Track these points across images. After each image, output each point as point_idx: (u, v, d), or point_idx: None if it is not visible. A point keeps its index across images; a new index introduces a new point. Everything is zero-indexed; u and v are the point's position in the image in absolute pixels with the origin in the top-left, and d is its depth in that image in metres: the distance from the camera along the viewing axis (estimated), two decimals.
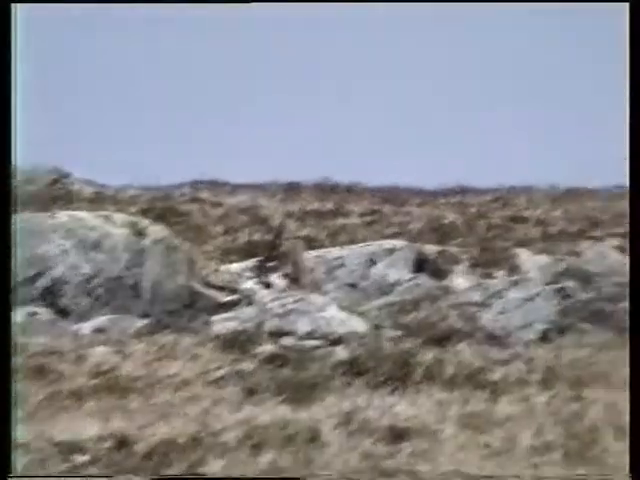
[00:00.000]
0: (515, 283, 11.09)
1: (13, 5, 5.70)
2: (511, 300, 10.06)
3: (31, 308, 9.73)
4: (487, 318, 9.72)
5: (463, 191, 25.34)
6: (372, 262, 13.52)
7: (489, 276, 13.07)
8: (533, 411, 6.17)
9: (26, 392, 6.80)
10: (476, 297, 10.84)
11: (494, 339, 9.16)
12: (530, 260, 13.30)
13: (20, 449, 5.18)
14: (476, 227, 18.91)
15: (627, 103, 6.04)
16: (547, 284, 10.21)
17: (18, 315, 9.52)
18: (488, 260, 13.80)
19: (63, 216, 10.70)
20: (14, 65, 5.72)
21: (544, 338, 9.31)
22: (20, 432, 5.48)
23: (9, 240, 5.50)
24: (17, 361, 7.60)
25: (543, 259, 13.22)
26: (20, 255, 10.17)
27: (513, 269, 13.12)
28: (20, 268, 10.12)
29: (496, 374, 7.42)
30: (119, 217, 10.97)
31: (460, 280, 12.59)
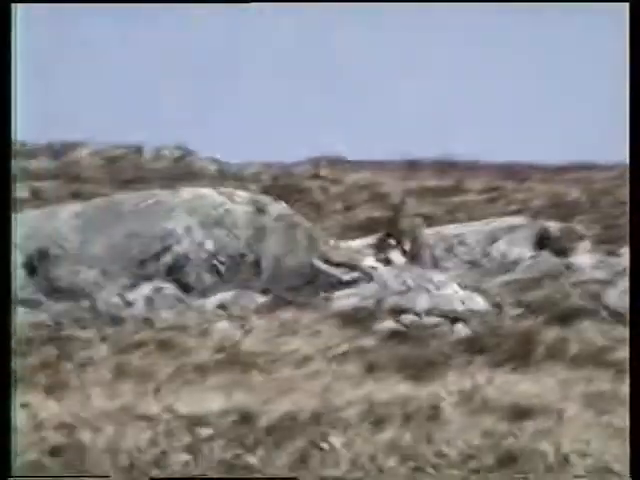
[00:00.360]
0: None
1: (13, 5, 5.77)
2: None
3: (157, 283, 9.95)
4: (612, 296, 9.48)
5: (587, 167, 24.74)
6: (493, 239, 13.34)
7: (614, 253, 12.74)
8: None
9: (153, 366, 6.97)
10: (600, 274, 10.59)
11: (619, 317, 8.94)
12: None
13: (147, 421, 5.31)
14: (601, 203, 18.44)
15: (627, 103, 5.90)
16: None
17: (145, 289, 9.75)
18: (613, 237, 13.45)
19: (187, 193, 10.89)
20: (14, 65, 5.82)
21: None
22: (148, 405, 5.61)
23: (9, 238, 5.56)
24: (145, 335, 7.79)
25: None
26: (147, 231, 10.40)
27: None
28: (146, 244, 10.36)
29: (621, 353, 7.24)
30: (241, 194, 11.10)
31: (584, 257, 12.31)
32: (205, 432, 5.18)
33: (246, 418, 5.39)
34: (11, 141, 5.76)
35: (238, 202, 10.85)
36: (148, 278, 10.20)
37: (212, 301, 9.57)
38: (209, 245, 10.49)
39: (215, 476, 4.88)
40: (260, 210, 10.81)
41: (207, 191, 11.15)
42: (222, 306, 9.35)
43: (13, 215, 7.93)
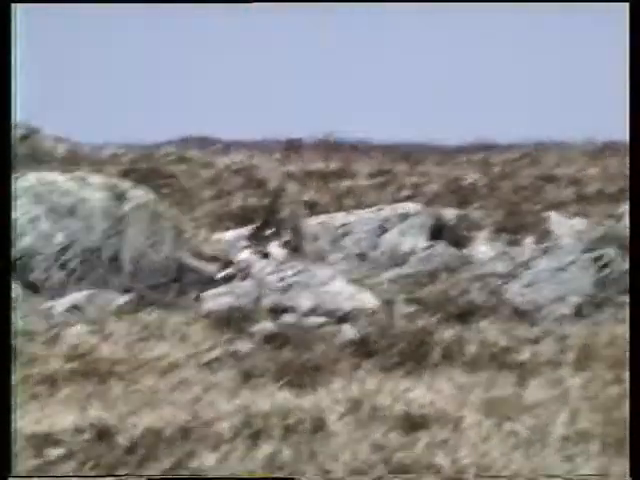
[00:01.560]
0: (545, 251, 11.07)
1: (13, 5, 6.08)
2: (541, 270, 10.04)
3: None
4: (514, 291, 9.71)
5: (486, 147, 25.29)
6: (383, 229, 13.49)
7: (516, 243, 13.05)
8: (566, 396, 6.17)
9: None
10: (501, 267, 10.83)
11: (522, 315, 9.15)
12: (563, 225, 13.27)
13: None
14: (501, 188, 18.88)
15: (627, 103, 6.22)
16: (582, 252, 10.19)
17: None
18: (515, 225, 13.77)
19: (32, 178, 10.68)
20: (14, 65, 6.10)
21: (578, 313, 9.29)
22: None
23: (9, 236, 5.68)
24: None
25: (578, 223, 13.19)
26: None
27: (543, 235, 13.10)
28: None
29: (524, 354, 7.42)
30: (96, 179, 10.94)
31: (483, 248, 12.56)
32: (55, 453, 5.10)
33: (103, 435, 5.33)
34: (11, 140, 5.93)
35: (93, 188, 10.70)
36: None
37: (63, 302, 9.42)
38: (59, 238, 10.31)
39: (212, 476, 4.86)
40: (118, 197, 10.68)
41: (56, 176, 10.96)
42: (75, 308, 9.21)
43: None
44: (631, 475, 5.12)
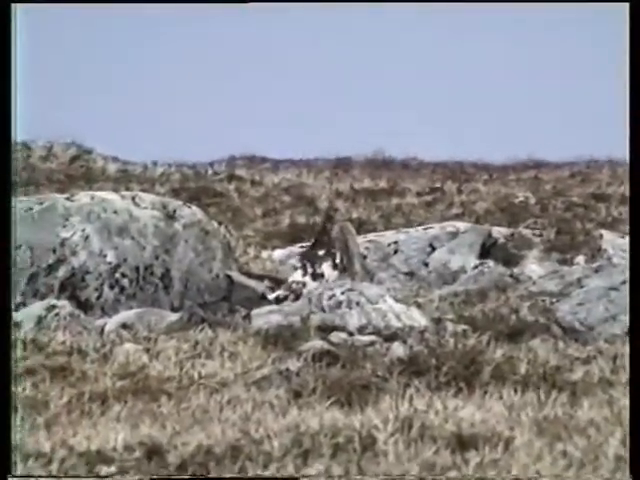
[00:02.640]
0: (597, 270, 10.99)
1: (13, 5, 6.12)
2: (592, 289, 9.96)
3: (50, 301, 9.84)
4: (565, 310, 9.65)
5: (536, 165, 25.18)
6: (432, 247, 13.47)
7: (567, 262, 12.96)
8: (619, 416, 6.11)
9: (47, 395, 6.89)
10: (552, 286, 10.76)
11: (573, 334, 9.09)
12: (615, 243, 13.16)
13: (39, 459, 5.26)
14: (552, 206, 18.77)
15: (627, 103, 6.18)
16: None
17: (35, 308, 9.63)
18: (566, 244, 13.68)
19: (84, 197, 10.79)
20: (14, 65, 6.12)
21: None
22: (39, 440, 5.55)
23: (9, 238, 5.74)
24: (36, 360, 7.69)
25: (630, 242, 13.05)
26: (39, 241, 10.28)
27: (595, 254, 13.00)
28: (37, 256, 10.24)
29: (576, 374, 7.36)
30: (147, 198, 11.03)
31: (533, 267, 12.50)
32: (107, 470, 5.14)
33: (154, 453, 5.36)
34: (11, 141, 6.02)
35: (143, 207, 10.79)
36: (40, 295, 10.08)
37: (114, 320, 9.50)
38: (111, 256, 10.41)
39: (213, 476, 4.89)
40: (169, 216, 10.77)
41: (108, 194, 11.07)
42: (126, 326, 9.28)
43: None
44: (631, 474, 5.07)
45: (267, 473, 5.17)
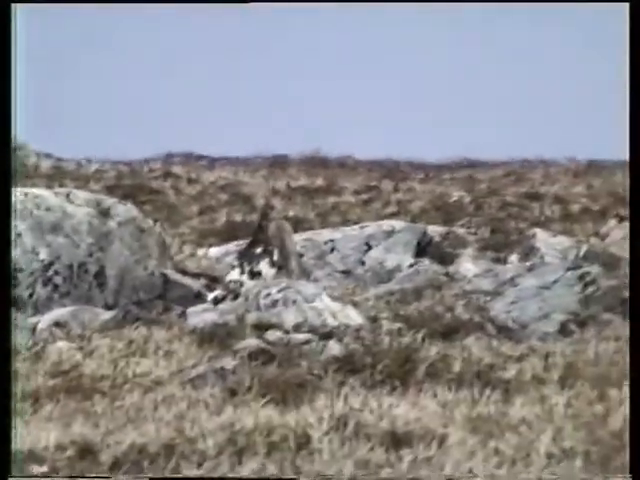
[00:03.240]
0: (530, 269, 11.11)
1: (13, 5, 6.13)
2: (526, 288, 10.07)
3: None
4: (498, 308, 9.74)
5: (471, 165, 25.39)
6: (368, 246, 13.52)
7: (501, 261, 13.09)
8: (551, 414, 6.18)
9: None
10: (486, 285, 10.86)
11: (506, 332, 9.18)
12: (548, 242, 13.32)
13: None
14: (486, 205, 18.95)
15: (627, 104, 6.27)
16: (567, 269, 10.23)
17: None
18: (500, 243, 13.82)
19: (17, 194, 10.66)
20: (14, 65, 6.13)
21: (563, 331, 9.32)
22: None
23: (9, 238, 5.74)
24: None
25: (562, 241, 13.25)
26: None
27: (528, 253, 13.14)
28: None
29: (509, 372, 7.43)
30: (81, 195, 10.94)
31: (468, 265, 12.60)
32: (39, 470, 5.09)
33: (87, 452, 5.32)
34: (11, 141, 5.97)
35: (77, 204, 10.69)
36: None
37: (47, 318, 9.40)
38: (44, 254, 10.30)
39: (214, 476, 4.85)
40: (103, 213, 10.68)
41: (41, 191, 10.95)
42: (59, 324, 9.19)
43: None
44: (631, 473, 5.14)
45: (201, 471, 5.16)
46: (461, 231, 14.04)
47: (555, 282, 9.91)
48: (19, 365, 7.55)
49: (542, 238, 13.33)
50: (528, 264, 11.66)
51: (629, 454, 5.22)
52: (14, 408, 5.80)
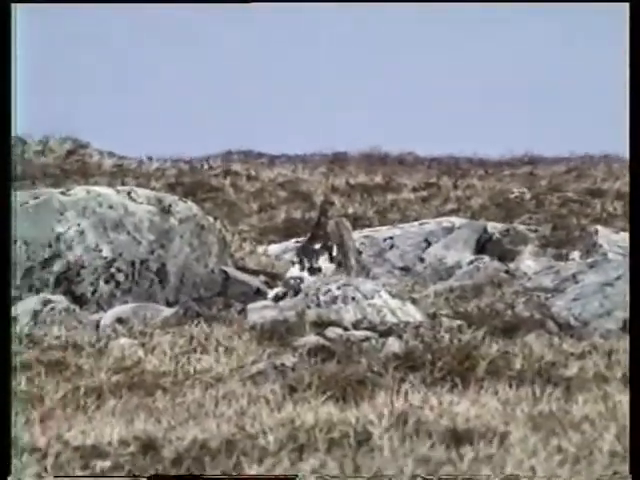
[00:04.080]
0: (592, 265, 10.99)
1: (13, 5, 6.17)
2: (587, 285, 9.97)
3: (45, 295, 9.83)
4: (560, 305, 9.65)
5: (532, 161, 25.20)
6: (428, 242, 13.47)
7: (562, 258, 12.97)
8: (614, 412, 6.12)
9: (42, 389, 6.89)
10: (547, 282, 10.77)
11: (568, 329, 9.10)
12: (610, 239, 13.17)
13: (34, 454, 5.26)
14: (547, 202, 18.79)
15: (627, 104, 6.19)
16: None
17: (31, 303, 9.62)
18: (561, 239, 13.69)
19: (79, 192, 10.78)
20: (14, 65, 6.16)
21: (626, 328, 9.22)
22: (34, 435, 5.55)
23: (9, 237, 5.78)
24: (31, 355, 7.69)
25: (625, 238, 13.09)
26: (34, 235, 10.27)
27: (590, 249, 13.01)
28: (33, 250, 10.23)
29: (570, 369, 7.37)
30: (142, 192, 11.02)
31: (529, 262, 12.50)
32: (102, 465, 5.14)
33: (149, 448, 5.36)
34: (11, 141, 6.06)
35: (139, 202, 10.78)
36: (35, 289, 10.07)
37: (110, 315, 9.49)
38: (106, 251, 10.40)
39: (212, 476, 4.89)
40: (164, 211, 10.76)
41: (103, 189, 11.06)
42: (121, 320, 9.28)
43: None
44: (631, 473, 5.08)
45: (262, 468, 5.17)
46: (521, 228, 13.95)
47: (617, 279, 9.80)
48: (82, 361, 7.62)
49: (604, 235, 13.19)
50: (590, 261, 11.55)
51: (629, 454, 5.15)
52: (13, 409, 5.79)
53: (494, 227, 13.71)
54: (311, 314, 8.95)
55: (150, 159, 23.22)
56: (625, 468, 5.23)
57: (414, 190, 20.74)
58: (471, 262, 12.50)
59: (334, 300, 9.12)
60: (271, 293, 10.04)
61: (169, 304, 10.06)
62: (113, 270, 10.33)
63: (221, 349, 8.01)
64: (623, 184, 19.65)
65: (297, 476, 4.94)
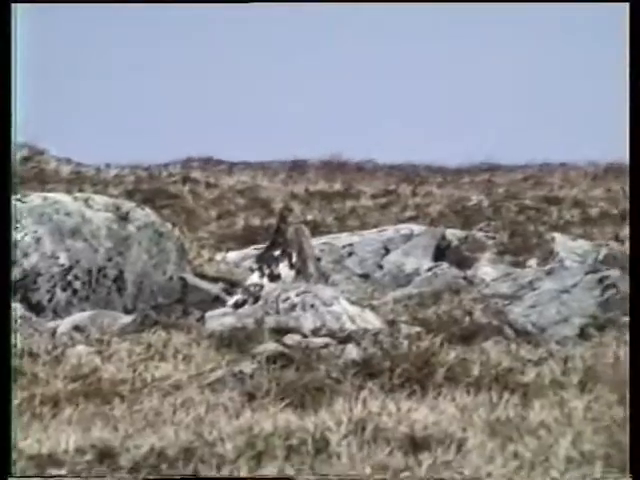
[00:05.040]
0: (549, 272, 11.08)
1: (13, 5, 6.17)
2: (545, 292, 10.05)
3: None
4: (517, 312, 9.72)
5: (490, 168, 25.35)
6: (387, 250, 13.52)
7: (520, 265, 13.06)
8: (570, 417, 6.17)
9: None
10: (505, 289, 10.84)
11: (525, 336, 9.16)
12: (567, 246, 13.28)
13: None
14: (505, 209, 18.91)
15: (627, 104, 6.25)
16: (586, 273, 10.20)
17: None
18: (519, 246, 13.79)
19: (36, 198, 10.71)
20: (14, 65, 6.16)
21: (582, 335, 9.29)
22: None
23: (9, 236, 5.77)
24: None
25: (582, 245, 13.20)
26: None
27: (547, 256, 13.11)
28: None
29: (528, 375, 7.41)
30: (100, 200, 10.97)
31: (487, 269, 12.58)
32: (57, 473, 5.10)
33: (106, 456, 5.33)
34: (11, 141, 5.98)
35: (96, 209, 10.73)
36: None
37: (67, 322, 9.44)
38: (63, 258, 10.34)
39: (216, 476, 4.87)
40: (122, 218, 10.72)
41: (60, 196, 10.99)
42: (78, 328, 9.22)
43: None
44: (631, 473, 5.12)
45: (220, 475, 5.16)
46: (480, 235, 14.03)
47: (574, 286, 9.88)
48: (39, 369, 7.57)
49: (561, 242, 13.29)
50: (547, 268, 11.64)
51: (629, 454, 5.20)
52: (14, 409, 5.79)
53: (452, 234, 13.78)
54: (270, 321, 8.95)
55: (108, 166, 23.13)
56: (579, 473, 5.27)
57: (373, 197, 20.80)
58: (430, 269, 12.55)
59: (293, 307, 9.13)
60: (231, 300, 10.03)
61: (127, 311, 10.02)
62: (70, 277, 10.28)
63: (179, 356, 7.99)
64: (580, 191, 19.82)
65: (293, 477, 4.94)
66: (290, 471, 5.21)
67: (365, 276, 13.09)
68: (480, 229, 15.05)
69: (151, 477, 4.92)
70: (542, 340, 9.01)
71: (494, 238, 13.95)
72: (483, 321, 9.36)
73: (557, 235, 13.79)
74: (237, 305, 9.80)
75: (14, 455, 5.27)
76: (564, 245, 13.24)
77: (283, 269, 10.32)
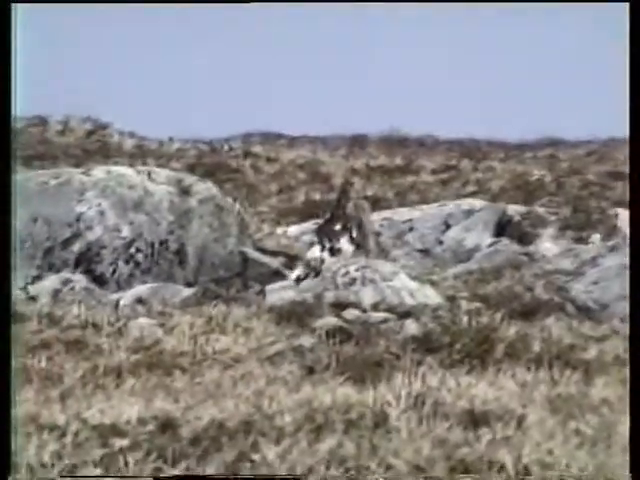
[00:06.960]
0: (612, 248, 10.95)
1: (13, 5, 6.19)
2: (607, 268, 9.93)
3: (65, 274, 9.87)
4: (579, 289, 9.62)
5: (552, 143, 25.08)
6: (447, 225, 13.45)
7: (582, 240, 12.92)
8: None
9: (62, 368, 6.92)
10: (567, 264, 10.73)
11: (587, 312, 9.07)
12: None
13: (53, 432, 5.29)
14: (567, 184, 18.71)
15: (627, 104, 6.16)
16: None
17: (51, 282, 9.66)
18: (581, 222, 13.64)
19: (100, 172, 10.80)
20: (14, 65, 6.19)
21: None
22: (53, 413, 5.58)
23: (9, 235, 5.80)
24: (51, 333, 7.72)
25: None
26: (55, 215, 10.30)
27: (610, 232, 12.95)
28: (53, 230, 10.26)
29: (589, 352, 7.35)
30: (162, 173, 11.04)
31: (548, 245, 12.46)
32: (120, 443, 5.16)
33: (167, 427, 5.38)
34: (11, 141, 6.07)
35: (159, 182, 10.80)
36: (55, 269, 10.11)
37: (129, 295, 9.52)
38: (126, 231, 10.43)
39: (217, 476, 4.91)
40: (184, 191, 10.77)
41: (123, 169, 11.07)
42: (140, 300, 9.30)
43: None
44: (631, 473, 5.07)
45: (279, 448, 5.19)
46: (542, 210, 13.90)
47: None
48: (102, 340, 7.65)
49: (624, 217, 13.13)
50: (610, 244, 11.50)
51: (629, 454, 5.13)
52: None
53: (514, 210, 13.67)
54: (330, 296, 8.95)
55: (171, 140, 23.26)
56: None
57: (434, 172, 20.69)
58: (490, 245, 12.47)
59: (353, 282, 9.12)
60: (293, 274, 10.04)
61: (188, 285, 10.08)
62: (132, 250, 10.36)
63: (239, 330, 8.03)
64: None
65: (300, 477, 4.94)
66: (349, 445, 5.22)
67: (425, 251, 13.04)
68: (542, 205, 14.92)
69: (161, 476, 4.95)
70: (604, 317, 8.92)
71: (556, 214, 13.82)
72: (544, 297, 9.29)
73: (620, 211, 13.62)
74: (299, 279, 9.81)
75: (77, 425, 5.34)
76: (627, 221, 13.07)
77: (343, 244, 10.31)
